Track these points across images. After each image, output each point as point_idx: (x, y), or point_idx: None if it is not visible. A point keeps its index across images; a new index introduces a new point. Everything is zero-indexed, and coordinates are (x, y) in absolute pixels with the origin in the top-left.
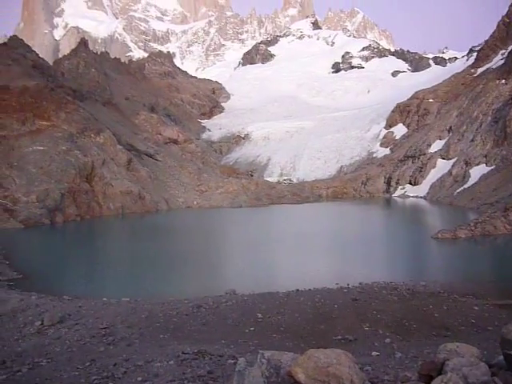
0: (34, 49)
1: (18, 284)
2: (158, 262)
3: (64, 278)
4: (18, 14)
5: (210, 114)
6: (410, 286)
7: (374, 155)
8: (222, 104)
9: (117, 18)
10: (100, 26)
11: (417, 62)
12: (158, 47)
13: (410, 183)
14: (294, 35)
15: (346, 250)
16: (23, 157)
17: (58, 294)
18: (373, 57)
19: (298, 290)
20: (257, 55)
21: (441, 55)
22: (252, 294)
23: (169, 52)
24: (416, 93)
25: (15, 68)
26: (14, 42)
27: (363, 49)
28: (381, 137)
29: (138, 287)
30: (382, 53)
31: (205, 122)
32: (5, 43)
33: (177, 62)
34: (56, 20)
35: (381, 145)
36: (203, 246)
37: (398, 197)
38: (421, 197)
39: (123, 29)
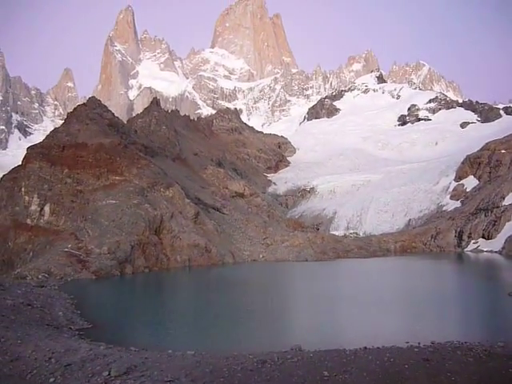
0: (110, 108)
1: (87, 333)
2: (223, 315)
3: (131, 328)
4: (96, 76)
5: (275, 168)
6: (487, 346)
7: (444, 208)
8: (288, 158)
9: (187, 78)
10: (171, 86)
11: (486, 113)
12: (225, 104)
13: (484, 237)
14: (358, 89)
15: (417, 307)
16: (97, 210)
17: (126, 345)
18: (440, 108)
19: (365, 347)
20: (322, 110)
21: None
22: (318, 350)
23: (236, 108)
24: (487, 144)
25: (93, 126)
26: (93, 103)
27: (430, 101)
28: (450, 189)
29: (203, 340)
30: (449, 104)
31: (271, 176)
32: (84, 104)
33: (243, 118)
34: (131, 81)
35: (451, 197)
36: (268, 300)
37: (471, 251)
38: (496, 251)
39: (193, 88)
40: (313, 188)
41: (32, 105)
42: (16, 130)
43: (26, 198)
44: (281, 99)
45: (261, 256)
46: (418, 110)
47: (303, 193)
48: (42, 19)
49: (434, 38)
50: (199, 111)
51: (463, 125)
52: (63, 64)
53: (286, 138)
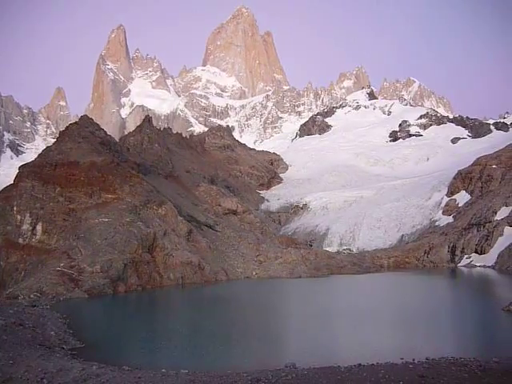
0: (102, 127)
1: (80, 353)
2: (217, 333)
3: (124, 347)
4: (88, 95)
5: (268, 185)
6: (482, 362)
7: (437, 223)
8: (281, 175)
9: (179, 96)
10: (163, 104)
11: (477, 128)
12: (217, 122)
13: (477, 252)
14: (350, 106)
15: (411, 323)
16: (89, 228)
17: (118, 364)
18: (431, 124)
19: (360, 364)
20: (314, 126)
21: (502, 120)
22: (312, 367)
23: (228, 126)
24: (478, 159)
25: (85, 145)
26: (85, 121)
27: (421, 117)
28: (443, 204)
29: (197, 359)
30: (440, 120)
31: (263, 193)
32: (76, 122)
33: (236, 135)
34: (123, 100)
35: (443, 213)
36: (262, 318)
37: (464, 266)
38: (489, 266)
39: (185, 105)
40: (305, 204)
41: (24, 124)
42: (8, 149)
43: (18, 216)
44: (272, 116)
45: (254, 273)
46: (409, 125)
47: (296, 209)
48: (33, 38)
49: (423, 55)
50: (191, 129)
51: (454, 140)
52: (55, 83)
53: (279, 155)
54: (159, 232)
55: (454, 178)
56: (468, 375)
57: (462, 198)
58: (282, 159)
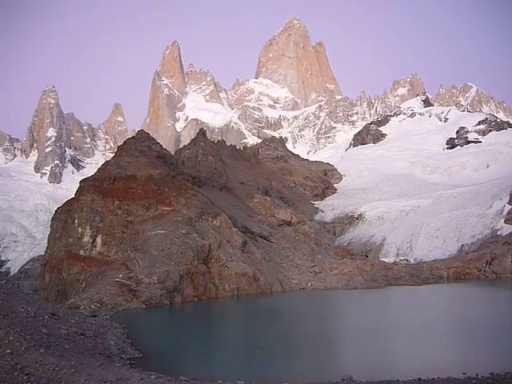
0: (158, 141)
1: (138, 363)
2: (272, 345)
3: (181, 357)
4: (145, 110)
5: (322, 196)
6: None
7: (499, 232)
8: (335, 185)
9: (232, 109)
10: (217, 117)
11: None
12: (270, 133)
13: None
14: (404, 114)
15: (473, 336)
16: (146, 240)
17: (176, 374)
18: (490, 130)
19: (420, 378)
20: (368, 135)
21: None
22: (370, 381)
23: (281, 137)
24: None
25: (142, 159)
26: (141, 136)
27: (479, 123)
28: (505, 213)
29: (253, 370)
30: (500, 125)
31: (317, 204)
32: (133, 137)
33: (289, 146)
34: (178, 114)
35: (505, 221)
36: (318, 329)
37: None
38: None
39: (238, 118)
40: (361, 215)
41: (84, 139)
42: (69, 164)
43: (79, 229)
44: (326, 126)
45: (309, 284)
46: (466, 132)
47: (351, 220)
48: (92, 59)
49: (481, 59)
50: (245, 141)
51: None
52: (113, 99)
53: (332, 165)
54: (214, 243)
55: None
56: None
57: None
58: (335, 169)
